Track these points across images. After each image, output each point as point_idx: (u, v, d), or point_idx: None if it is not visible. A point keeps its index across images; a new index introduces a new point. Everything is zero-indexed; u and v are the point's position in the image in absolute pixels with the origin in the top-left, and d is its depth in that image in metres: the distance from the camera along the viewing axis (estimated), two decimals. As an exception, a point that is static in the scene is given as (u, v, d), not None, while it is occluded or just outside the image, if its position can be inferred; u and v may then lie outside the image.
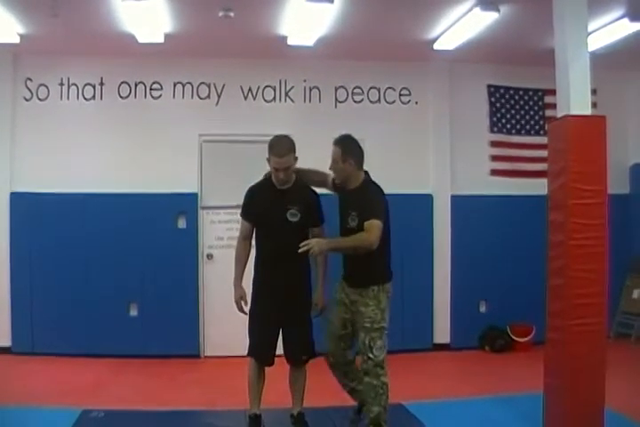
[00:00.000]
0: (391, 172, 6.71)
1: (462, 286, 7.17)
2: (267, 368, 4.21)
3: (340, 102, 7.22)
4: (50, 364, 6.29)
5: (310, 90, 7.17)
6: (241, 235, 4.30)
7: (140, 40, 6.10)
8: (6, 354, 6.55)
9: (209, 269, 6.93)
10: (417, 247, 7.00)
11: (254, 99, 7.09)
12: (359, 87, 7.23)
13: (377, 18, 5.81)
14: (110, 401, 5.07)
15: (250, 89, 7.07)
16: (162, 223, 6.81)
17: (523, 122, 7.52)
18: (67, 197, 6.71)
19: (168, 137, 6.93)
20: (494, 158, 7.42)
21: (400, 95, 7.30)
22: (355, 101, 7.24)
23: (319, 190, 4.34)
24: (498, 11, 5.46)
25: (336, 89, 7.20)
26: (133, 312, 6.80)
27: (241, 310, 4.22)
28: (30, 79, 6.85)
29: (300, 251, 3.78)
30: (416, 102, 7.32)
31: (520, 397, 4.98)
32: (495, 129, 7.46)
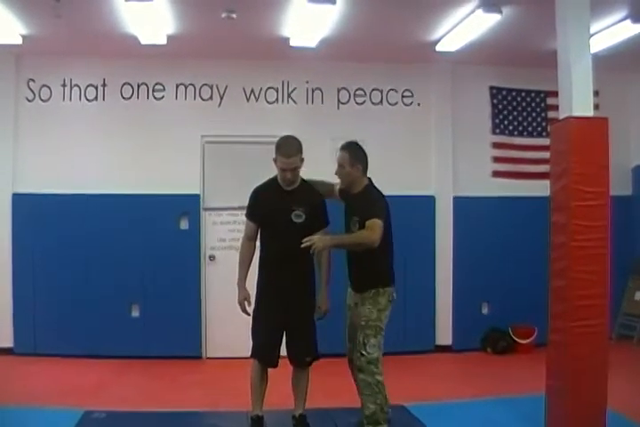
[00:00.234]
0: (393, 173, 6.74)
1: (464, 288, 7.16)
2: (270, 370, 4.21)
3: (343, 104, 7.21)
4: (52, 365, 6.29)
5: (313, 91, 7.16)
6: (245, 236, 4.30)
7: (143, 41, 6.11)
8: (9, 355, 6.55)
9: (211, 270, 6.93)
10: (419, 249, 6.98)
11: (257, 100, 7.09)
12: (361, 89, 7.22)
13: (379, 19, 5.80)
14: (112, 402, 5.07)
15: (252, 90, 7.07)
16: (164, 224, 6.81)
17: (525, 123, 7.51)
18: (69, 198, 6.71)
19: (170, 138, 6.93)
20: (497, 160, 7.41)
21: (402, 97, 7.30)
22: (357, 103, 7.23)
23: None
24: (500, 12, 5.46)
25: (338, 90, 7.19)
26: (135, 313, 6.80)
27: (245, 311, 4.22)
28: (33, 80, 6.85)
29: (302, 246, 3.77)
30: (418, 104, 7.32)
31: (522, 398, 4.97)
32: (497, 131, 7.45)
